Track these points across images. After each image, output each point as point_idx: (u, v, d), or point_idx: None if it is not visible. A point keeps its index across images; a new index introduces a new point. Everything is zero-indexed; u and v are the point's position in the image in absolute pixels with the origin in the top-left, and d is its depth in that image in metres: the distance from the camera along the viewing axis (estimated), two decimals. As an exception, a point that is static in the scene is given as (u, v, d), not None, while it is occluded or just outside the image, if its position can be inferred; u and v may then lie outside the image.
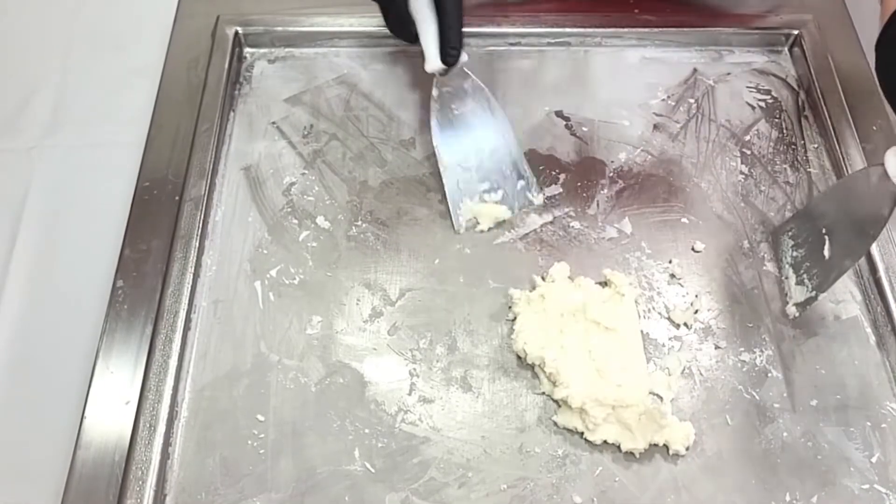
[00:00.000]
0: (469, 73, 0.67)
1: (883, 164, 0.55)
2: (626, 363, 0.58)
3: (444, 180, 0.67)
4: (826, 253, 0.60)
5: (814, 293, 0.61)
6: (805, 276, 0.62)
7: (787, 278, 0.64)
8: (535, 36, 0.78)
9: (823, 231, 0.61)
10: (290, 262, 0.65)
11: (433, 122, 0.67)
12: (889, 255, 0.64)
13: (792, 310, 0.63)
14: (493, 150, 0.68)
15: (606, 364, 0.57)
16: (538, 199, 0.68)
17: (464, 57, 0.65)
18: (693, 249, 0.67)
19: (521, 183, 0.68)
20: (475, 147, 0.68)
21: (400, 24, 0.66)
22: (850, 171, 0.69)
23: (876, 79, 0.60)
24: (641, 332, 0.61)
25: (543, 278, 0.64)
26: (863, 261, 0.65)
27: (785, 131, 0.74)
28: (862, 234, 0.58)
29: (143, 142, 0.70)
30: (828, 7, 0.80)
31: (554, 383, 0.58)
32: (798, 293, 0.62)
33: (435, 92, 0.67)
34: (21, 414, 0.62)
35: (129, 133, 0.73)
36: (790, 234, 0.65)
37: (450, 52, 0.64)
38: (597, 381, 0.57)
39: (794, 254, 0.63)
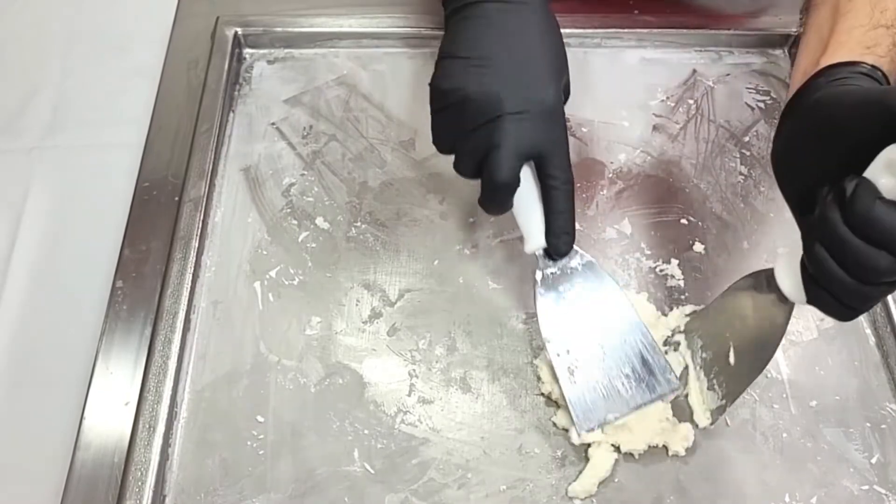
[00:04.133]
0: (578, 249, 0.57)
1: (773, 272, 0.50)
2: None
3: (564, 388, 0.56)
4: (731, 360, 0.55)
5: (723, 402, 0.56)
6: (714, 381, 0.57)
7: (698, 380, 0.58)
8: (535, 37, 0.78)
9: (727, 335, 0.56)
10: (290, 263, 0.65)
11: (541, 309, 0.57)
12: (888, 255, 0.64)
13: (704, 419, 0.57)
14: (616, 344, 0.57)
15: None
16: (672, 388, 0.56)
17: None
18: (692, 250, 0.67)
19: (650, 375, 0.56)
20: (596, 340, 0.57)
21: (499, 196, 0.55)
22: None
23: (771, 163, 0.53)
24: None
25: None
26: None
27: (784, 132, 0.74)
28: (762, 344, 0.53)
29: (143, 142, 0.70)
30: (827, 8, 0.80)
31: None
32: (710, 399, 0.57)
33: (538, 275, 0.57)
34: (20, 414, 0.62)
35: (128, 134, 0.73)
36: (699, 333, 0.59)
37: (563, 239, 0.55)
38: None
39: (703, 355, 0.58)
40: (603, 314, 0.57)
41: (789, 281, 0.48)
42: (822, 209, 0.43)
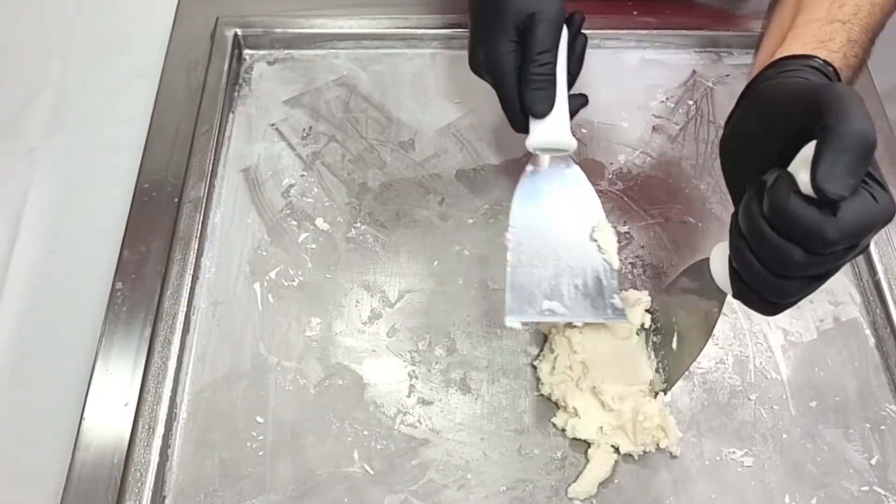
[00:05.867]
0: (574, 162, 0.59)
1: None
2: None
3: (509, 270, 0.55)
4: (674, 345, 0.56)
5: (665, 385, 0.56)
6: (660, 364, 0.57)
7: (649, 359, 0.58)
8: (535, 38, 0.78)
9: (673, 320, 0.56)
10: (290, 264, 0.65)
11: (517, 196, 0.58)
12: (888, 257, 0.64)
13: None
14: (576, 256, 0.56)
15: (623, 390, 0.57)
16: (618, 312, 0.55)
17: (572, 141, 0.58)
18: (693, 252, 0.67)
19: (597, 294, 0.55)
20: (555, 243, 0.57)
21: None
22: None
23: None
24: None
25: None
26: (862, 263, 0.65)
27: (784, 133, 0.74)
28: (699, 330, 0.53)
29: (143, 143, 0.70)
30: (827, 9, 0.80)
31: (576, 414, 0.57)
32: (657, 381, 0.57)
33: (529, 168, 0.59)
34: (20, 415, 0.62)
35: (128, 135, 0.73)
36: (654, 316, 0.59)
37: (538, 94, 0.57)
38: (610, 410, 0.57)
39: (654, 338, 0.58)
40: (575, 225, 0.57)
41: (721, 274, 0.48)
42: (744, 202, 0.43)
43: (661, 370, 0.57)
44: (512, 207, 0.58)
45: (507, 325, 0.54)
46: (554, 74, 0.58)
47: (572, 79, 0.60)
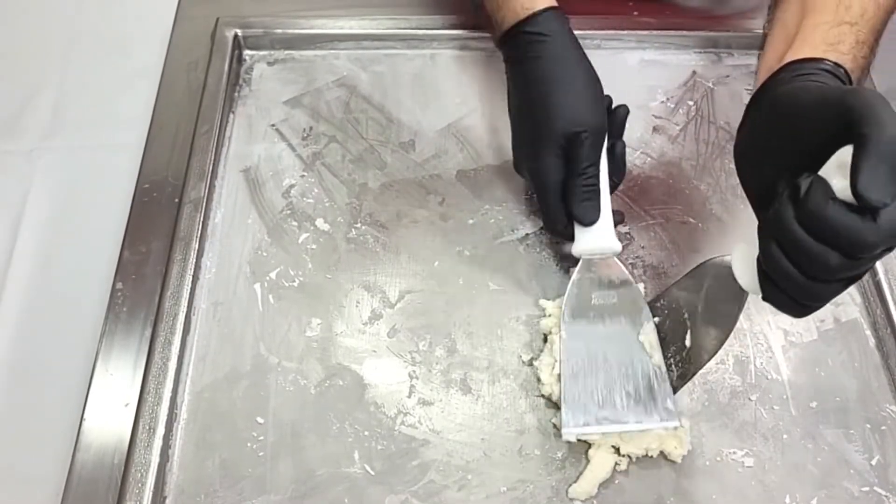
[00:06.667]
0: (620, 263, 0.60)
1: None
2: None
3: (562, 382, 0.56)
4: (687, 342, 0.56)
5: (678, 382, 0.56)
6: (671, 360, 0.57)
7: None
8: (535, 38, 0.78)
9: (686, 316, 0.56)
10: (290, 265, 0.65)
11: (567, 305, 0.59)
12: (889, 258, 0.64)
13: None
14: (626, 361, 0.57)
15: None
16: (671, 421, 0.55)
17: (617, 245, 0.60)
18: (693, 252, 0.67)
19: (649, 399, 0.56)
20: (604, 350, 0.58)
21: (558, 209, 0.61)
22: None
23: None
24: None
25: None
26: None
27: (784, 134, 0.74)
28: (717, 328, 0.54)
29: (143, 144, 0.70)
30: (827, 9, 0.80)
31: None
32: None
33: (576, 276, 0.60)
34: (20, 416, 0.62)
35: (128, 135, 0.73)
36: (657, 314, 0.59)
37: (585, 205, 0.60)
38: None
39: (661, 335, 0.58)
40: (623, 330, 0.58)
41: (746, 276, 0.48)
42: (776, 206, 0.43)
43: (672, 367, 0.57)
44: (562, 315, 0.59)
45: (563, 438, 0.56)
46: (598, 185, 0.61)
47: (615, 185, 0.63)
